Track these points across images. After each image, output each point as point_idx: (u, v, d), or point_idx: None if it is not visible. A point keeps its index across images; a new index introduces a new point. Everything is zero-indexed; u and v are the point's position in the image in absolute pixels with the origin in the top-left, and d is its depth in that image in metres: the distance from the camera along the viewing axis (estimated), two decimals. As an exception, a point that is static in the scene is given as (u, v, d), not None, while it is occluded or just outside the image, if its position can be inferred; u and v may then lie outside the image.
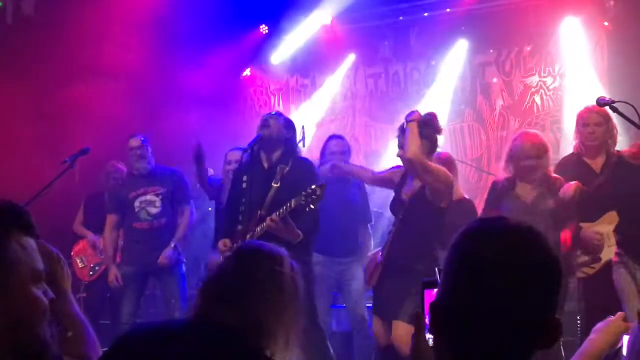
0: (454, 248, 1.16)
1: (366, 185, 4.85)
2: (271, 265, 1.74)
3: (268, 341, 1.67)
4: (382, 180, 4.25)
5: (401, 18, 6.75)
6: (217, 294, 1.68)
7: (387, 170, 4.29)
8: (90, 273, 5.49)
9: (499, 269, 1.09)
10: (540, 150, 4.02)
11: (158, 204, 5.03)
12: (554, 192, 3.98)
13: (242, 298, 1.66)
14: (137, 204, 5.05)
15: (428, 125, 3.79)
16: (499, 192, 4.11)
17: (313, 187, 3.72)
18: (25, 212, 1.44)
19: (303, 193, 3.70)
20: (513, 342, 1.10)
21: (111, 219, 5.17)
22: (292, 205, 3.74)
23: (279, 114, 4.26)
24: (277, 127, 4.07)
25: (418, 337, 1.28)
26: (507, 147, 4.26)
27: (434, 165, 3.77)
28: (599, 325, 1.75)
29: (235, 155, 4.76)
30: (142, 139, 5.12)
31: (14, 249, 1.37)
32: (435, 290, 1.27)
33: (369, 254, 4.34)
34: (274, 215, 3.78)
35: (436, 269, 1.28)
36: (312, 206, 3.70)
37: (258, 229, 3.89)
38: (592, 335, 1.74)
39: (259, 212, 3.92)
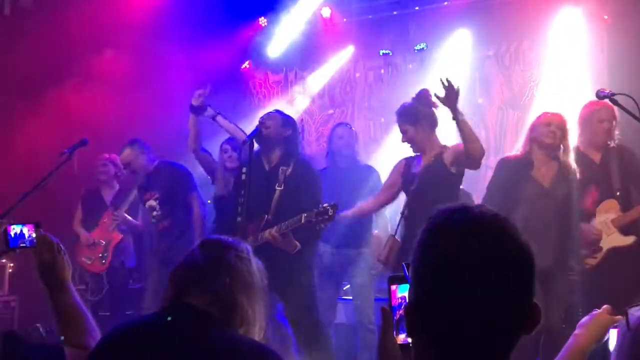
0: (424, 245, 1.14)
1: (380, 175, 4.86)
2: (237, 252, 1.77)
3: (245, 324, 1.70)
4: (389, 187, 4.24)
5: (400, 11, 6.73)
6: (190, 279, 1.70)
7: (389, 175, 4.27)
8: (103, 262, 5.57)
9: (479, 264, 1.08)
10: (563, 125, 4.03)
11: (158, 208, 5.13)
12: (569, 179, 3.98)
13: (216, 281, 1.69)
14: (147, 207, 5.23)
15: (421, 103, 3.94)
16: (514, 173, 4.07)
17: (325, 205, 3.69)
18: None
19: (315, 211, 3.68)
20: (499, 333, 1.09)
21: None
22: (302, 221, 3.72)
23: (277, 112, 4.20)
24: (275, 128, 4.03)
25: (384, 334, 1.27)
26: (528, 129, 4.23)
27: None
28: (584, 319, 1.73)
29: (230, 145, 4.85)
30: (122, 153, 5.23)
31: None
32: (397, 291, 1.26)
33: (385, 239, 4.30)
34: (274, 231, 3.81)
35: (404, 264, 1.25)
36: (322, 226, 3.71)
37: (266, 234, 3.89)
38: (577, 330, 1.72)
39: (265, 216, 3.94)
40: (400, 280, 1.30)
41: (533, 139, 4.07)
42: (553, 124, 4.01)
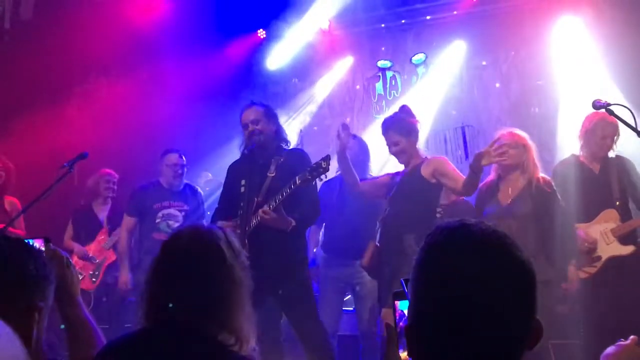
0: (424, 265, 1.12)
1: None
2: (223, 258, 1.75)
3: (234, 334, 1.69)
4: (375, 185, 4.34)
5: (399, 22, 6.77)
6: (176, 292, 1.70)
7: (384, 175, 4.41)
8: (93, 280, 5.52)
9: (480, 282, 1.07)
10: (517, 142, 4.01)
11: (180, 219, 5.18)
12: (536, 194, 3.94)
13: (201, 291, 1.69)
14: (159, 215, 5.19)
15: (410, 117, 4.06)
16: (483, 196, 4.15)
17: (318, 161, 3.62)
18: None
19: (308, 168, 3.62)
20: (502, 351, 1.08)
21: (129, 221, 5.29)
22: (298, 182, 3.63)
23: (257, 108, 4.07)
24: (265, 128, 4.02)
25: (388, 350, 1.26)
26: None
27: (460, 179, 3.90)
28: (610, 350, 1.65)
29: None
30: (182, 156, 5.28)
31: None
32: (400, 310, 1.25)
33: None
34: (265, 207, 3.72)
35: (402, 280, 1.24)
36: (322, 177, 3.62)
37: (254, 220, 3.86)
38: None
39: (255, 199, 3.90)
40: (403, 296, 1.30)
41: (495, 164, 4.08)
42: (504, 145, 3.91)
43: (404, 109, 4.17)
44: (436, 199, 4.03)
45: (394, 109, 6.44)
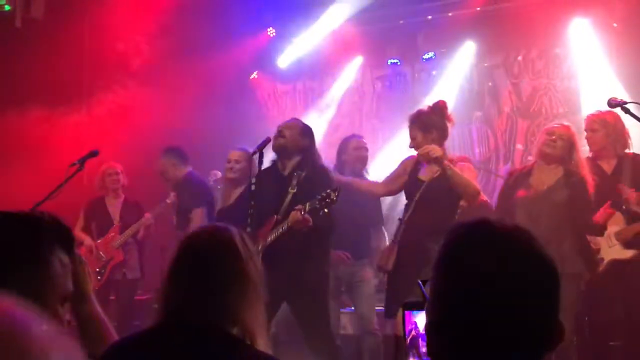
0: (444, 261, 1.11)
1: None
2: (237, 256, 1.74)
3: (249, 334, 1.67)
4: (396, 179, 4.29)
5: (409, 20, 6.74)
6: (190, 292, 1.69)
7: (398, 166, 4.34)
8: (98, 278, 5.48)
9: (501, 279, 1.05)
10: (568, 136, 4.05)
11: (175, 220, 5.24)
12: (571, 184, 3.97)
13: (217, 290, 1.68)
14: None
15: (436, 114, 3.99)
16: (514, 181, 4.16)
17: (327, 191, 3.70)
18: (69, 230, 1.46)
19: (317, 197, 3.69)
20: (523, 350, 1.06)
21: None
22: (307, 209, 3.72)
23: (296, 121, 4.21)
24: (292, 137, 4.06)
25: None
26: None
27: (468, 181, 3.91)
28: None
29: (235, 155, 4.82)
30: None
31: (55, 265, 1.39)
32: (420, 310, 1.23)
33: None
34: (299, 214, 3.74)
35: (419, 282, 1.23)
36: (325, 210, 3.69)
37: (273, 235, 3.87)
38: None
39: (275, 217, 3.92)
40: (414, 306, 1.28)
41: (537, 149, 4.17)
42: (555, 133, 4.05)
43: (435, 104, 4.08)
44: (459, 201, 4.02)
45: (403, 107, 6.47)
